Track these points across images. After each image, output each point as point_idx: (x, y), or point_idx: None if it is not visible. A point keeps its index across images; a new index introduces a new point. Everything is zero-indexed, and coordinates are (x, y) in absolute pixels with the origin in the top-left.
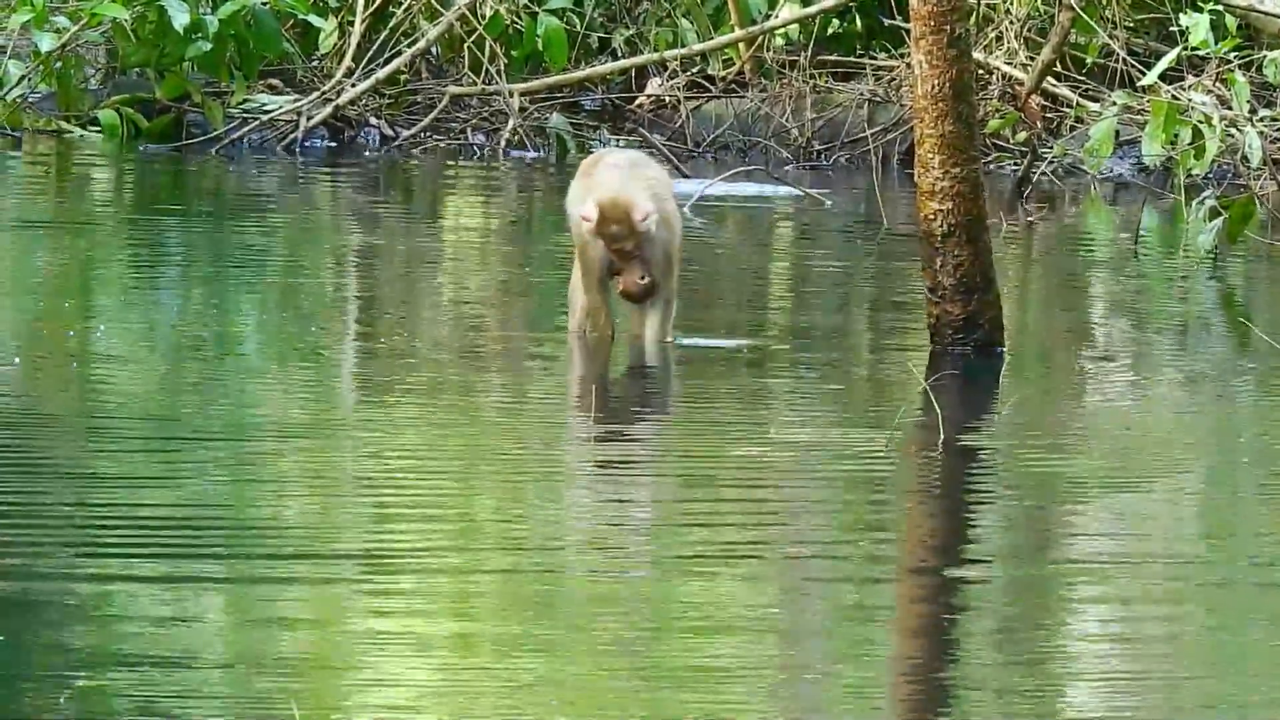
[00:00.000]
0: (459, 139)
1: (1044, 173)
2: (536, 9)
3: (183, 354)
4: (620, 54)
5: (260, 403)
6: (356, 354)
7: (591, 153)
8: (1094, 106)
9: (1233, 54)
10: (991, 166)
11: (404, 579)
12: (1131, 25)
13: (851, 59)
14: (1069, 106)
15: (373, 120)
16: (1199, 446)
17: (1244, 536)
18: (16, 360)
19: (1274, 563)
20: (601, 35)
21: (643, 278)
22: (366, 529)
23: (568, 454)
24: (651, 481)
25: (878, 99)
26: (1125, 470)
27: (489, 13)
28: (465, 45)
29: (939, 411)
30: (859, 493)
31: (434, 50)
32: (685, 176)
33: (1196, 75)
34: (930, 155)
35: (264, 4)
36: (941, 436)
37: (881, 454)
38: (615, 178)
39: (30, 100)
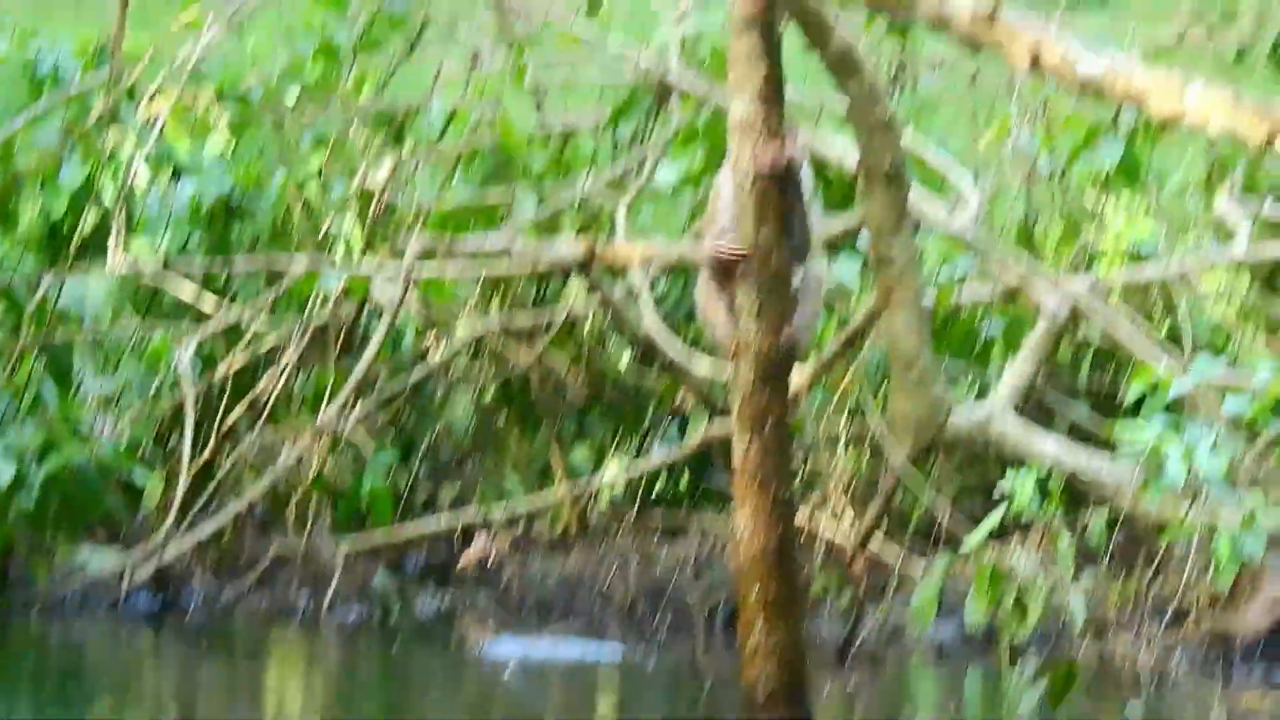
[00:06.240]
0: (282, 599)
1: (868, 635)
2: (362, 466)
3: None
4: (444, 511)
5: None
6: None
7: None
8: (920, 567)
9: (1056, 515)
10: (816, 628)
11: None
12: (957, 488)
13: (678, 518)
14: (894, 568)
15: (196, 578)
16: None
17: None
18: None
19: None
20: (425, 498)
21: None
22: None
23: None
24: None
25: (703, 559)
26: None
27: (315, 469)
28: (292, 502)
29: None
30: None
31: (257, 508)
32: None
33: (1024, 534)
34: (753, 617)
35: (88, 460)
36: None
37: None
38: None
39: None
